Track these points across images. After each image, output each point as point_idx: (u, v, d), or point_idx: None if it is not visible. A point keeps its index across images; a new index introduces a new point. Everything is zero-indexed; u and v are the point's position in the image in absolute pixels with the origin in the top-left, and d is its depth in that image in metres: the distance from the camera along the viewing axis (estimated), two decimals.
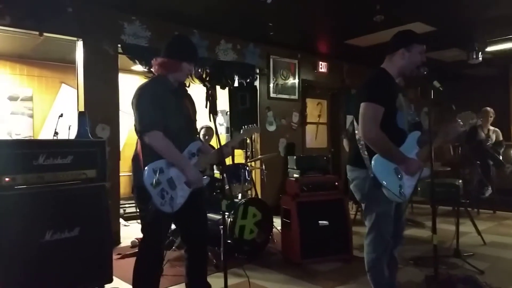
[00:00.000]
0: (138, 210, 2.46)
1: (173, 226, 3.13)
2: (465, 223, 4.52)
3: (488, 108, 6.24)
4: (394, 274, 2.62)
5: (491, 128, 6.31)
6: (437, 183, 3.46)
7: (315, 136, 7.57)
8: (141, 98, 2.31)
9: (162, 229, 2.42)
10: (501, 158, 6.06)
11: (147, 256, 2.44)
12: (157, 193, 2.23)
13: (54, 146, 2.75)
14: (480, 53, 6.43)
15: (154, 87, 2.36)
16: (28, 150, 2.62)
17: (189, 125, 2.49)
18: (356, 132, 2.46)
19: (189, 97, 2.60)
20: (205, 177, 2.50)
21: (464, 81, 8.32)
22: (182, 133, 2.39)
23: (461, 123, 2.47)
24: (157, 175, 2.23)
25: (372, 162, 2.31)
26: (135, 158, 2.40)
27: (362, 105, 2.33)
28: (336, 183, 3.99)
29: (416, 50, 2.42)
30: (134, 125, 2.36)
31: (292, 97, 6.70)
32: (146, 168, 2.24)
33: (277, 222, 4.22)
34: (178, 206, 2.29)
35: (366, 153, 2.37)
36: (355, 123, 2.50)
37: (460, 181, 4.31)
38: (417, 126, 2.52)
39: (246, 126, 2.71)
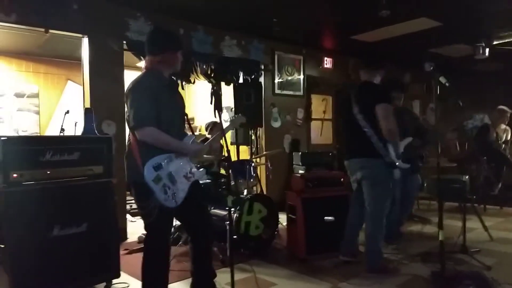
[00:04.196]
0: (138, 207, 2.42)
1: (178, 222, 3.16)
2: (472, 219, 4.50)
3: (504, 107, 6.14)
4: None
5: (503, 127, 6.24)
6: (443, 179, 3.45)
7: (320, 133, 7.55)
8: (136, 92, 2.31)
9: (166, 223, 2.45)
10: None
11: (155, 252, 2.47)
12: (160, 189, 2.25)
13: (61, 143, 2.77)
14: (487, 48, 6.37)
15: (149, 81, 2.36)
16: (35, 146, 2.64)
17: (182, 118, 2.54)
18: (366, 129, 3.10)
19: (178, 92, 2.65)
20: (201, 169, 2.60)
21: (470, 77, 8.25)
22: (177, 126, 2.43)
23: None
24: (157, 171, 2.24)
25: (390, 149, 3.05)
26: (129, 155, 2.39)
27: (382, 105, 3.05)
28: (342, 179, 3.98)
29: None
30: (126, 119, 2.37)
31: (297, 93, 6.68)
32: (145, 165, 2.24)
33: (282, 218, 4.22)
34: (181, 199, 2.33)
35: (381, 144, 3.06)
36: (363, 120, 3.12)
37: (467, 177, 4.29)
38: None
39: (233, 117, 2.76)
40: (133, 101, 2.29)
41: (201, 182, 4.21)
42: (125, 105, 2.43)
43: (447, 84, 2.85)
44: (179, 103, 2.54)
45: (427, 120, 7.85)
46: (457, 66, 7.68)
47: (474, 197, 4.49)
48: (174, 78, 2.84)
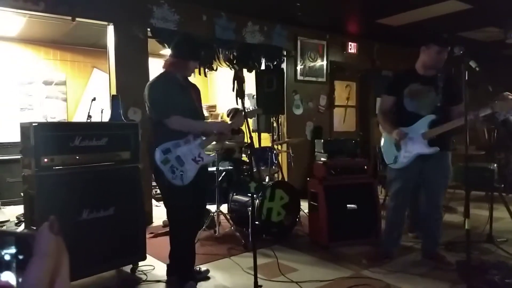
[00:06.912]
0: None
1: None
2: (499, 209, 4.37)
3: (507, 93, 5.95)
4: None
5: None
6: (470, 167, 3.36)
7: (343, 120, 7.46)
8: (153, 90, 2.65)
9: (178, 200, 2.66)
10: None
11: (177, 229, 2.74)
12: (168, 169, 2.57)
13: (90, 129, 2.84)
14: None
15: (163, 81, 2.69)
16: (65, 132, 2.72)
17: (196, 111, 2.82)
18: None
19: (194, 87, 2.91)
20: (212, 154, 2.81)
21: (501, 62, 7.92)
22: (194, 115, 2.74)
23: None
24: (165, 154, 2.57)
25: (381, 139, 3.32)
26: (149, 141, 2.74)
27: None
28: (365, 167, 3.95)
29: (433, 49, 3.03)
30: (148, 113, 2.74)
31: (320, 79, 6.60)
32: (156, 149, 2.56)
33: (303, 206, 4.23)
34: (189, 179, 2.62)
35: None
36: None
37: (495, 165, 4.17)
38: (439, 110, 3.04)
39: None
40: (151, 99, 2.63)
41: (223, 168, 4.30)
42: (146, 102, 2.72)
43: (477, 69, 2.75)
44: (192, 98, 2.82)
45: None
46: (487, 50, 7.39)
47: (502, 186, 4.36)
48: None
